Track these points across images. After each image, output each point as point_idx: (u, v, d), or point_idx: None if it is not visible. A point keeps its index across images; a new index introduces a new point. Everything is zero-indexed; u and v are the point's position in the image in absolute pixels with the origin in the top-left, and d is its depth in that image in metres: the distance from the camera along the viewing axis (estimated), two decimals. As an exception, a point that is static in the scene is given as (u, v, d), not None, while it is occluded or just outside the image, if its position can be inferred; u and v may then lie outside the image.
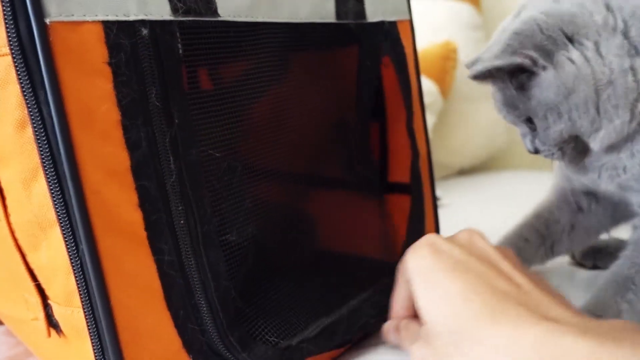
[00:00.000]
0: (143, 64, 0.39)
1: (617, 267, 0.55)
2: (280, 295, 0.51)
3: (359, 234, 0.65)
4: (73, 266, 0.39)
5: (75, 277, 0.39)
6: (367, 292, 0.57)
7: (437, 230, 0.73)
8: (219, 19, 0.44)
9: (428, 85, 1.20)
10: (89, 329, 0.40)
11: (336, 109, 0.63)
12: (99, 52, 0.38)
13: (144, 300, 0.41)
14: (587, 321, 0.35)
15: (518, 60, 0.49)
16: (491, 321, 0.36)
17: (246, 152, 0.49)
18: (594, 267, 0.71)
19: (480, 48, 1.50)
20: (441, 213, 1.08)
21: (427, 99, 1.20)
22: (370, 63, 0.63)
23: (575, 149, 0.54)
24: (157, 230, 0.41)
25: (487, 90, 0.65)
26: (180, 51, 0.41)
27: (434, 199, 0.72)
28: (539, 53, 0.49)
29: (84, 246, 0.38)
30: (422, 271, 0.41)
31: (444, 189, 1.25)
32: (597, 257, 0.71)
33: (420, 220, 0.65)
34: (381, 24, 0.63)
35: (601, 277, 0.56)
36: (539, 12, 0.50)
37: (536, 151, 0.55)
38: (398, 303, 0.47)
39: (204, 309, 0.43)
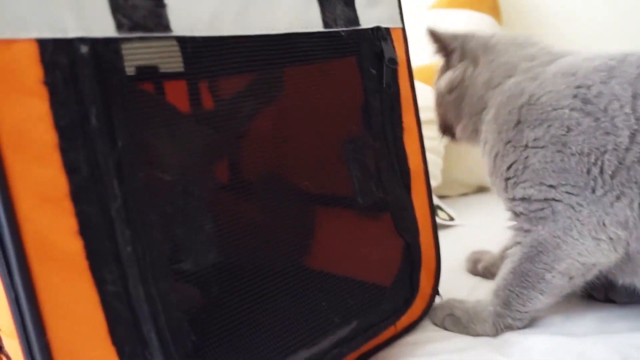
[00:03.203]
0: (82, 83, 0.37)
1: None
2: (252, 330, 0.47)
3: (352, 255, 0.60)
4: (8, 298, 0.37)
5: (11, 309, 0.37)
6: (355, 321, 0.52)
7: (437, 258, 0.68)
8: (172, 34, 0.42)
9: (442, 100, 1.15)
10: (27, 365, 0.38)
11: (335, 126, 0.59)
12: (33, 72, 0.36)
13: (86, 334, 0.38)
14: None
15: None
16: None
17: (207, 174, 0.46)
18: (607, 300, 0.65)
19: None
20: (455, 232, 1.05)
21: (441, 114, 1.15)
22: (376, 70, 0.59)
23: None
24: (99, 259, 0.38)
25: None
26: (126, 69, 0.39)
27: (434, 222, 0.67)
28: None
29: (16, 276, 0.36)
30: None
31: (461, 207, 1.20)
32: (608, 288, 0.64)
33: (415, 245, 0.60)
34: (377, 29, 0.58)
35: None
36: None
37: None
38: None
39: (154, 343, 0.40)
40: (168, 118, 0.44)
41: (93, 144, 0.38)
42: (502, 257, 0.71)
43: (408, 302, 0.57)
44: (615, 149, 0.54)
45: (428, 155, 1.12)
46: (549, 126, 0.58)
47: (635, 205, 0.54)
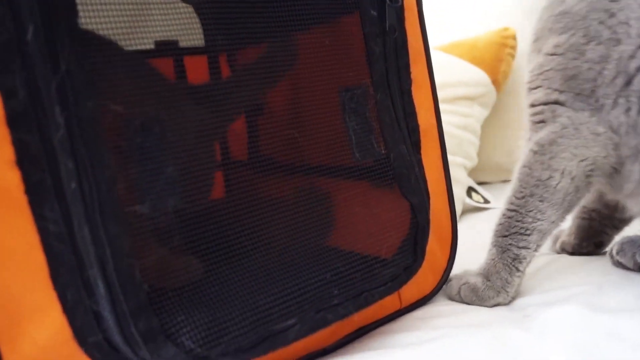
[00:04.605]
0: (19, -3, 0.34)
1: None
2: (221, 289, 0.42)
3: (358, 228, 0.55)
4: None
5: (-58, 246, 0.34)
6: (337, 298, 0.47)
7: (454, 229, 0.61)
8: (128, -49, 0.38)
9: (478, 74, 1.07)
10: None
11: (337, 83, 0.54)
12: (-39, -19, 0.33)
13: (25, 277, 0.35)
14: None
15: None
16: None
17: (175, 111, 0.42)
18: (637, 267, 0.57)
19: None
20: (490, 214, 0.96)
21: (477, 90, 1.07)
22: (376, 12, 0.53)
23: None
24: (40, 194, 0.35)
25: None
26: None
27: (449, 189, 0.60)
28: None
29: (-55, 209, 0.33)
30: None
31: (501, 193, 1.11)
32: (638, 254, 0.57)
33: (421, 208, 0.53)
34: None
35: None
36: None
37: None
38: None
39: (101, 290, 0.36)
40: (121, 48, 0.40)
41: (32, 67, 0.34)
42: (573, 227, 0.71)
43: (410, 270, 0.50)
44: (619, 58, 0.55)
45: (463, 133, 1.06)
46: (572, 35, 0.57)
47: (633, 112, 0.54)
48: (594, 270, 0.59)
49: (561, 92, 0.57)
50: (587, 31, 0.56)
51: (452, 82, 1.06)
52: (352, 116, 0.51)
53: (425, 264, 0.54)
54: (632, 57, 0.54)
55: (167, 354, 0.36)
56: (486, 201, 1.02)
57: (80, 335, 0.36)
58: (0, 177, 0.34)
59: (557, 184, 0.55)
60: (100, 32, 0.38)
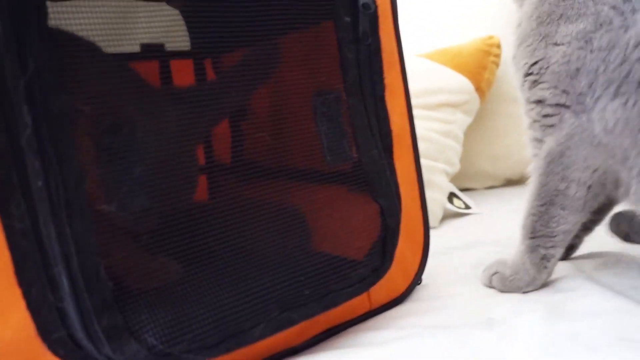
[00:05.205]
0: (-14, -5, 0.34)
1: None
2: (186, 288, 0.43)
3: (315, 227, 0.55)
4: None
5: None
6: (304, 298, 0.47)
7: (426, 233, 0.61)
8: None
9: (461, 82, 1.08)
10: None
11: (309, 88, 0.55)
12: None
13: (-11, 273, 0.35)
14: None
15: None
16: None
17: (149, 112, 0.43)
18: (626, 238, 0.63)
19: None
20: (468, 220, 0.98)
21: (460, 97, 1.09)
22: (350, 18, 0.53)
23: None
24: (6, 192, 0.35)
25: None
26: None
27: (422, 193, 0.61)
28: None
29: None
30: None
31: (484, 199, 1.12)
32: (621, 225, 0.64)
33: (391, 211, 0.54)
34: None
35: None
36: None
37: None
38: None
39: (65, 287, 0.36)
40: (95, 49, 0.40)
41: (1, 65, 0.35)
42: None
43: (378, 272, 0.51)
44: (625, 46, 0.53)
45: (445, 139, 1.07)
46: (582, 22, 0.56)
47: (630, 104, 0.52)
48: (559, 276, 0.60)
49: (564, 92, 0.57)
50: (597, 17, 0.55)
51: (435, 88, 1.07)
52: (324, 120, 0.52)
53: (395, 266, 0.55)
54: (637, 45, 0.53)
55: (130, 350, 0.37)
56: (467, 207, 1.03)
57: (45, 332, 0.37)
58: (-33, 174, 0.35)
59: (575, 193, 0.56)
60: (80, 33, 0.39)
